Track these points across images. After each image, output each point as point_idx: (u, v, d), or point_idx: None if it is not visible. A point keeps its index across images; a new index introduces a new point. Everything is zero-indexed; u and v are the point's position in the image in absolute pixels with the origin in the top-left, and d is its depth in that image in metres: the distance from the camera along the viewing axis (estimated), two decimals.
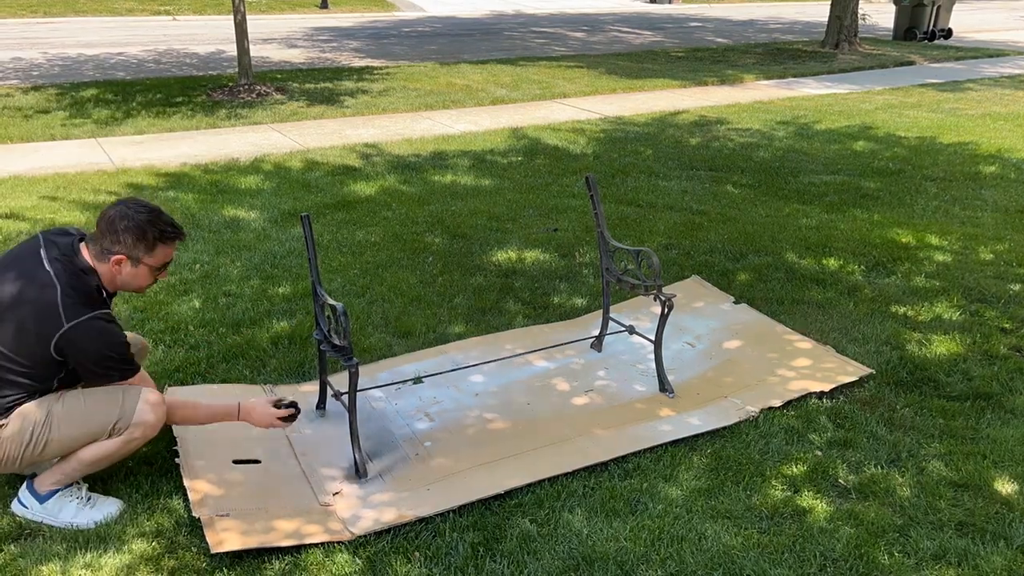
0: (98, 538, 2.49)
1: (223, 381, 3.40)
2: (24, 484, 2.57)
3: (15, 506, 2.57)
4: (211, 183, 6.15)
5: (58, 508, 2.54)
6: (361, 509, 2.65)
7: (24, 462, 2.47)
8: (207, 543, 2.42)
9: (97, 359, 2.46)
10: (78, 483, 2.59)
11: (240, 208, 5.57)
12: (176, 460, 2.80)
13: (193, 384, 3.35)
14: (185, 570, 2.39)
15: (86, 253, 2.49)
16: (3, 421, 2.43)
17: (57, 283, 2.40)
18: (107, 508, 2.57)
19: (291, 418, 2.77)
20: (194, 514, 2.52)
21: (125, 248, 2.47)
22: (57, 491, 2.54)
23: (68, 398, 2.49)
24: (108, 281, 2.52)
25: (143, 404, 2.48)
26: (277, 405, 2.74)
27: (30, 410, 2.44)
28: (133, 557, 2.43)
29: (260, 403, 2.73)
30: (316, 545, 2.48)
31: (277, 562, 2.42)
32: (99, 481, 2.71)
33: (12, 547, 2.46)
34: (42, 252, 2.46)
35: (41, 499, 2.54)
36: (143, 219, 2.47)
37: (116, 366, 2.50)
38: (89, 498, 2.58)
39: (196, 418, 2.72)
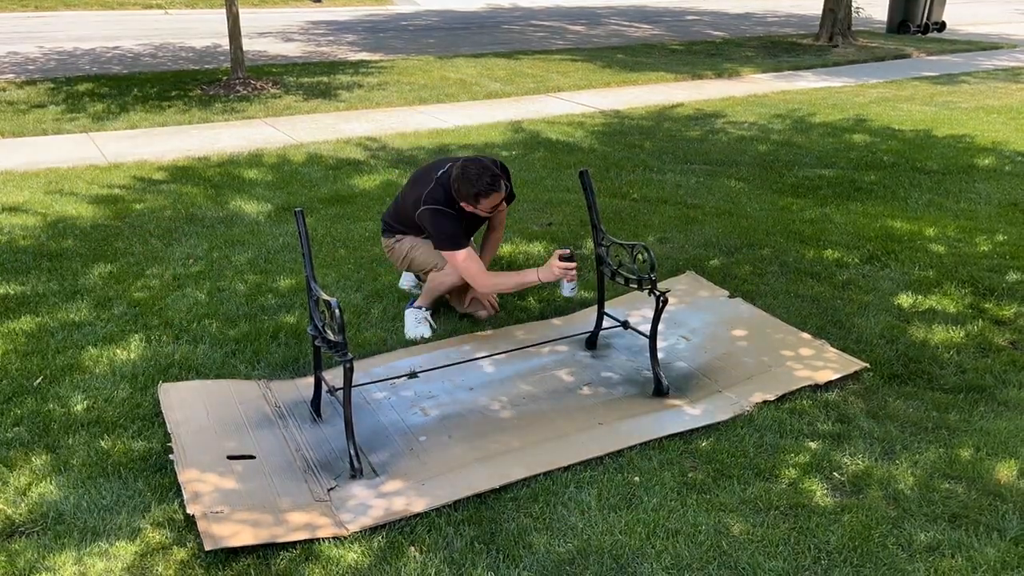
0: (95, 531, 2.49)
1: (218, 376, 3.40)
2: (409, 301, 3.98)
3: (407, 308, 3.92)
4: (205, 178, 6.13)
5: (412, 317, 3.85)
6: (357, 504, 2.66)
7: (401, 264, 3.95)
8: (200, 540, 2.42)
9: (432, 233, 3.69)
10: (425, 308, 3.88)
11: (235, 203, 5.55)
12: (171, 456, 2.80)
13: (188, 380, 3.35)
14: (193, 562, 2.40)
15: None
16: (399, 239, 3.89)
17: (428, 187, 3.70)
18: (424, 331, 3.82)
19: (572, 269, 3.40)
20: (188, 511, 2.52)
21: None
22: (417, 307, 3.88)
23: (421, 243, 3.83)
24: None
25: (451, 261, 3.65)
26: (562, 258, 3.36)
27: (408, 240, 3.87)
28: (144, 547, 2.44)
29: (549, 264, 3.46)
30: (313, 540, 2.48)
31: (274, 557, 2.42)
32: (108, 471, 2.71)
33: (21, 540, 2.46)
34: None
35: (408, 307, 3.91)
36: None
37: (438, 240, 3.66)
38: (423, 320, 3.86)
39: (506, 285, 3.69)
